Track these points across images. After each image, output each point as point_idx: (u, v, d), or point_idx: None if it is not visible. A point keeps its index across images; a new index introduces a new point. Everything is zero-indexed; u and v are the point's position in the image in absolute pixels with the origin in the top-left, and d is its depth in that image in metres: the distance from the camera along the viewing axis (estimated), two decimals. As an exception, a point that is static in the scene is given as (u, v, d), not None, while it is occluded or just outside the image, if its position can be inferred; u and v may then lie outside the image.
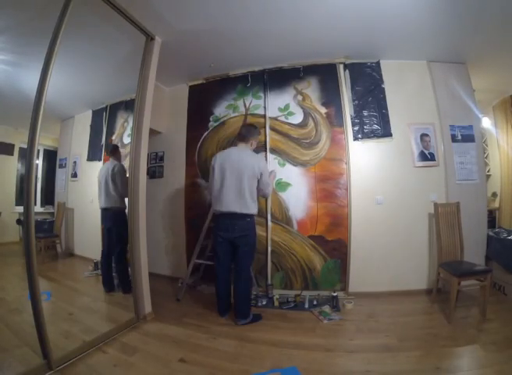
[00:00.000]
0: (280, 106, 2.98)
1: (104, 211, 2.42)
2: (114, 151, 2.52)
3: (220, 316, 2.28)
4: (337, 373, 1.58)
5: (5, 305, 2.02)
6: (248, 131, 2.28)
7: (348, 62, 2.90)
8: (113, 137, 2.69)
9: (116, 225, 2.38)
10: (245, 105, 3.10)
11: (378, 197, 2.75)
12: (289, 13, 2.20)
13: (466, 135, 2.84)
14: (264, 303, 2.54)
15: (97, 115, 2.64)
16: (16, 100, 1.93)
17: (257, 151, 2.98)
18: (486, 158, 3.98)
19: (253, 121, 3.03)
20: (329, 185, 2.79)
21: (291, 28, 2.38)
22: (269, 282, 2.79)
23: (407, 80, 2.88)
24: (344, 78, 2.90)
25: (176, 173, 3.33)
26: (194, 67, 3.07)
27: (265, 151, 2.94)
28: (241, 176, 2.11)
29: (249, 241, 2.20)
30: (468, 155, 2.82)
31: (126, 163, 2.49)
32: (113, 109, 2.69)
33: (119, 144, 2.64)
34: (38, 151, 1.60)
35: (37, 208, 2.36)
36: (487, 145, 4.12)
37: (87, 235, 2.66)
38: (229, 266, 2.26)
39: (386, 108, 2.84)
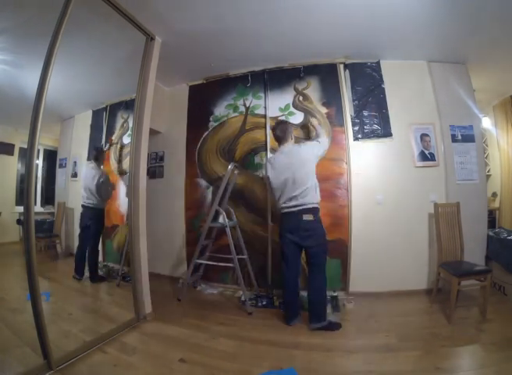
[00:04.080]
0: (281, 106, 2.97)
1: (85, 208, 2.46)
2: (98, 156, 2.55)
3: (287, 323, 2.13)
4: (337, 373, 1.58)
5: (5, 305, 2.01)
6: (282, 131, 2.21)
7: (348, 62, 2.89)
8: (113, 137, 2.69)
9: (95, 222, 2.51)
10: (245, 105, 3.10)
11: (379, 197, 2.75)
12: (289, 13, 2.19)
13: (466, 135, 2.84)
14: (264, 303, 2.54)
15: (97, 115, 2.64)
16: (16, 100, 1.92)
17: (257, 151, 3.00)
18: (486, 158, 3.98)
19: (253, 121, 3.04)
20: (330, 185, 2.79)
21: (291, 28, 2.38)
22: (269, 282, 2.79)
23: (407, 80, 2.88)
24: (344, 78, 2.90)
25: (176, 173, 3.33)
26: (194, 67, 3.06)
27: (266, 151, 2.94)
28: (300, 172, 2.06)
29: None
30: (468, 155, 2.82)
31: (126, 163, 2.50)
32: (113, 109, 2.68)
33: (111, 145, 2.69)
34: (38, 151, 1.60)
35: (37, 208, 2.35)
36: (487, 145, 4.12)
37: (87, 235, 2.65)
38: (298, 268, 2.19)
39: (386, 108, 2.84)
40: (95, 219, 2.51)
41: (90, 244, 2.50)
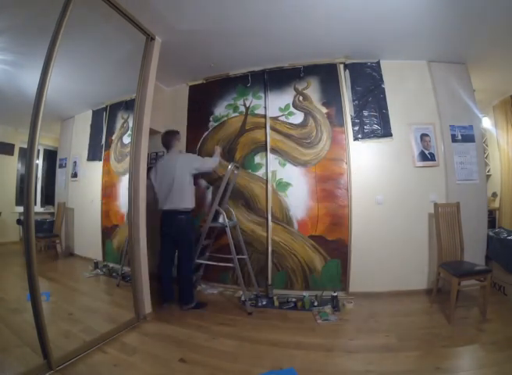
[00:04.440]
0: (281, 106, 2.98)
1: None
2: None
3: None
4: (337, 373, 1.58)
5: (5, 305, 2.02)
6: (166, 139, 2.58)
7: (348, 62, 2.89)
8: (113, 137, 2.69)
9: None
10: (245, 105, 3.10)
11: (379, 197, 2.75)
12: (289, 14, 2.19)
13: (466, 135, 2.84)
14: (264, 303, 2.54)
15: (97, 115, 2.64)
16: (16, 100, 1.93)
17: (257, 151, 2.99)
18: (486, 158, 3.98)
19: (253, 121, 3.04)
20: (330, 185, 2.79)
21: (291, 28, 2.38)
22: (269, 282, 2.79)
23: (407, 80, 2.88)
24: (344, 78, 2.90)
25: (176, 173, 3.32)
26: (194, 67, 3.07)
27: (266, 150, 2.94)
28: (175, 178, 2.40)
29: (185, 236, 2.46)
30: (468, 155, 2.82)
31: (125, 163, 2.50)
32: (113, 109, 2.69)
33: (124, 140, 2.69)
34: (38, 151, 1.60)
35: (37, 208, 2.35)
36: (487, 145, 4.12)
37: (87, 235, 2.66)
38: (172, 256, 2.52)
39: (386, 108, 2.84)
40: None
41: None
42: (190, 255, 2.52)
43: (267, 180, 2.90)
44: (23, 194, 1.54)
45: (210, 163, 2.62)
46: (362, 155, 2.81)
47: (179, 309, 2.40)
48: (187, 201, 2.46)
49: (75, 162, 2.56)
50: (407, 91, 2.86)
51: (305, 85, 2.95)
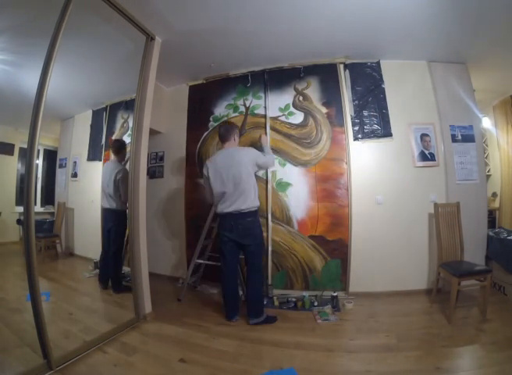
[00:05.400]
0: (281, 106, 2.97)
1: (106, 211, 2.42)
2: (119, 149, 2.50)
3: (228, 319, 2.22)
4: (337, 373, 1.58)
5: (5, 305, 2.02)
6: (226, 130, 2.29)
7: (348, 62, 2.89)
8: (113, 137, 2.69)
9: (117, 225, 2.40)
10: (245, 105, 3.10)
11: (379, 197, 2.75)
12: (288, 14, 2.20)
13: (466, 135, 2.84)
14: (264, 303, 2.53)
15: (97, 115, 2.65)
16: (16, 100, 1.93)
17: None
18: (486, 158, 3.98)
19: (253, 121, 3.04)
20: (330, 185, 2.79)
21: (291, 29, 2.38)
22: (269, 282, 2.79)
23: (407, 80, 2.88)
24: (344, 78, 2.90)
25: (176, 173, 3.33)
26: (194, 67, 3.07)
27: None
28: (239, 175, 2.12)
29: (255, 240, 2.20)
30: (468, 155, 2.82)
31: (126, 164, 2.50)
32: (113, 109, 2.69)
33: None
34: (38, 151, 1.60)
35: (37, 208, 2.35)
36: (487, 145, 4.12)
37: (87, 235, 2.66)
38: (235, 266, 2.29)
39: (386, 108, 2.84)
40: (116, 223, 2.38)
41: (111, 250, 2.42)
42: (260, 265, 2.24)
43: (267, 180, 2.90)
44: (23, 194, 1.54)
45: (271, 161, 2.38)
46: (362, 155, 2.81)
47: (246, 324, 2.13)
48: (253, 200, 2.16)
49: (75, 162, 2.57)
50: (407, 90, 2.86)
51: (305, 85, 2.95)
